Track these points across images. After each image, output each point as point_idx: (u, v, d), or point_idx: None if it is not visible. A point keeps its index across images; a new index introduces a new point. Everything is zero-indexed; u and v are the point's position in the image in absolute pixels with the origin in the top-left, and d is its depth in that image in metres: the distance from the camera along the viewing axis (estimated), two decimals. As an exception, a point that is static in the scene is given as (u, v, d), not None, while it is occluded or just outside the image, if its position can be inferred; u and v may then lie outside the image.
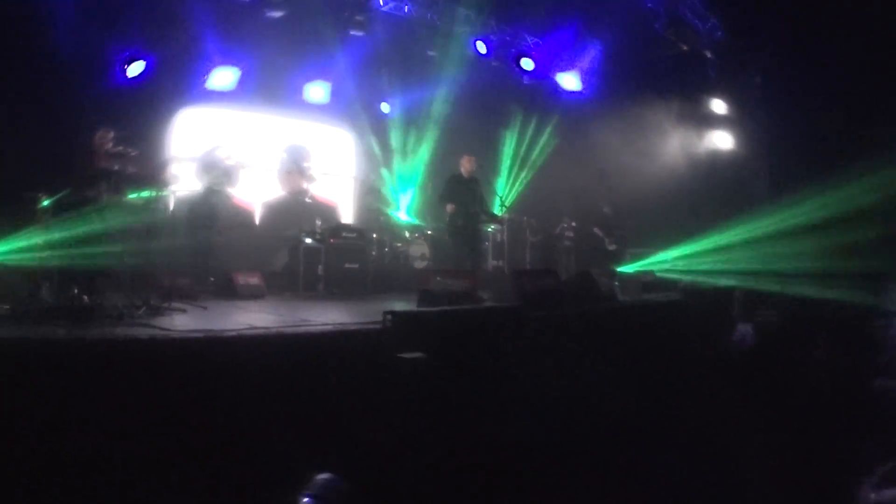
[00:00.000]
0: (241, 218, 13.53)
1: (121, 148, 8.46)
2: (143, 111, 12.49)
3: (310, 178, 14.26)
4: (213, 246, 12.29)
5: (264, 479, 5.13)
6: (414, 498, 5.14)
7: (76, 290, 7.67)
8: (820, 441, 5.42)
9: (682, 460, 5.35)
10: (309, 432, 5.55)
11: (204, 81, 13.93)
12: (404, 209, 16.26)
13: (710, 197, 14.60)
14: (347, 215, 16.58)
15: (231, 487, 5.09)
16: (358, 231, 13.58)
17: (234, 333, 6.74)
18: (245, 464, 5.19)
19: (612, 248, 14.09)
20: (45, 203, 8.15)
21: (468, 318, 7.45)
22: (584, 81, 16.53)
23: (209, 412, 5.57)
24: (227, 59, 13.88)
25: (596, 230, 14.37)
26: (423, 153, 16.46)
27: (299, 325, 7.44)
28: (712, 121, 15.59)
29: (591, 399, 6.07)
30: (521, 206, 16.01)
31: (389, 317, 6.93)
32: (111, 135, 8.54)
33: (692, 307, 9.93)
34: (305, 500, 4.49)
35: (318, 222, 13.43)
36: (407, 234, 15.16)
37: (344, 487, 4.55)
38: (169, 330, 6.86)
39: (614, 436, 5.68)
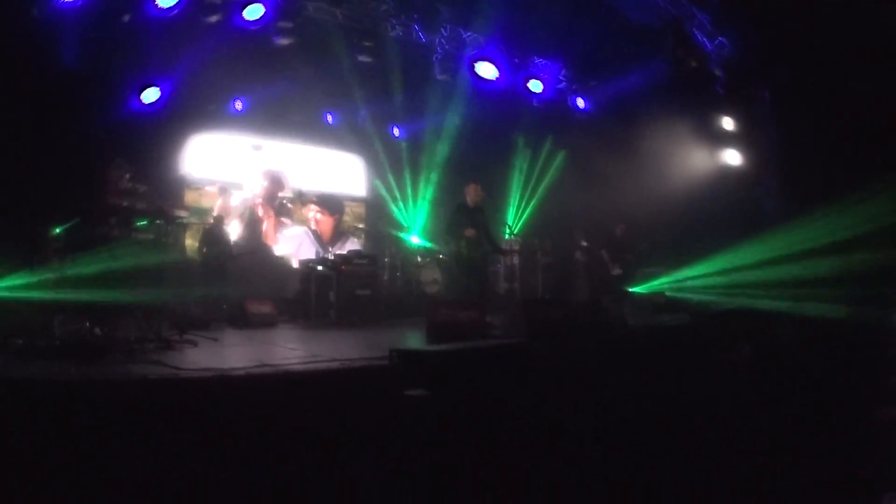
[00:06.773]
0: (253, 244, 13.61)
1: (131, 185, 8.51)
2: (155, 139, 12.61)
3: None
4: (227, 273, 12.40)
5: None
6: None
7: (87, 324, 7.69)
8: (820, 467, 5.31)
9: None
10: (314, 470, 5.56)
11: (214, 108, 14.07)
12: (416, 233, 16.27)
13: (723, 215, 14.40)
14: (359, 240, 16.67)
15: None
16: (369, 257, 13.67)
17: (242, 372, 6.77)
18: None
19: (616, 272, 13.90)
20: (57, 231, 8.23)
21: (473, 356, 7.43)
22: (593, 102, 16.48)
23: (219, 452, 5.59)
24: (237, 86, 14.04)
25: (602, 252, 14.24)
26: (434, 177, 16.51)
27: (308, 362, 7.45)
28: (723, 138, 15.34)
29: (593, 433, 6.03)
30: (534, 227, 15.98)
31: (395, 354, 6.97)
32: (127, 175, 8.59)
33: (698, 329, 9.84)
34: None
35: (332, 250, 13.53)
36: (419, 259, 15.18)
37: None
38: (179, 368, 6.88)
39: (623, 469, 5.61)
